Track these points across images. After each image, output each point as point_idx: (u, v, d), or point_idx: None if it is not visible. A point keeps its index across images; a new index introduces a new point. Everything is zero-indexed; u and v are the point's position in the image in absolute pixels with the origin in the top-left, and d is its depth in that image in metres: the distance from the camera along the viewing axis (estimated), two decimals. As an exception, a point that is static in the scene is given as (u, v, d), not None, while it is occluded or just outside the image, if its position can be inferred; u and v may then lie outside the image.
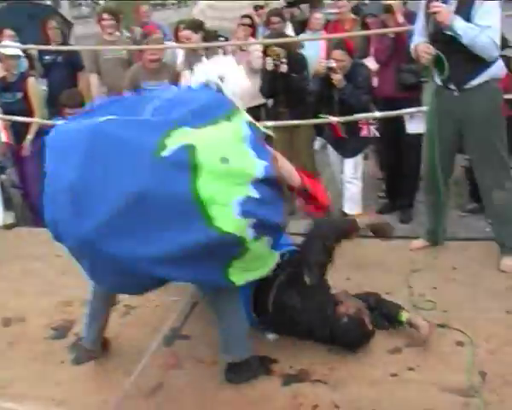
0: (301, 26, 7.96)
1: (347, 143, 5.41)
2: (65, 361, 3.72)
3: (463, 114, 4.24)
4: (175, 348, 3.77)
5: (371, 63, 5.92)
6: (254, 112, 6.08)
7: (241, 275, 3.11)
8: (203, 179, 2.77)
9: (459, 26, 3.96)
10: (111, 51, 7.17)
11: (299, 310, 3.59)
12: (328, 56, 5.38)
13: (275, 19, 7.02)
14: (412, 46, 4.39)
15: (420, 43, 4.26)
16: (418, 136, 5.52)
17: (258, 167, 2.94)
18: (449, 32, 4.02)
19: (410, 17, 5.38)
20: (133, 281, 3.03)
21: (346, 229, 3.88)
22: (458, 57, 4.06)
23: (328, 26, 7.84)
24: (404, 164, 5.90)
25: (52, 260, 4.77)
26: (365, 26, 6.37)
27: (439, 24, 4.04)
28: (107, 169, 2.74)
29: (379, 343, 3.62)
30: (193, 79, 3.43)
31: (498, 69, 4.19)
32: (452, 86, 4.23)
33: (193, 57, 6.19)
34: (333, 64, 5.15)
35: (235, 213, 2.81)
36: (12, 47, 6.57)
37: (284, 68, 5.61)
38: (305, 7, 10.80)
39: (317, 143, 7.80)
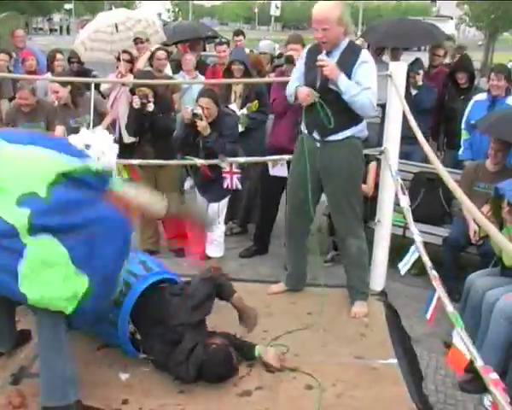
0: (177, 67, 7.91)
1: (212, 187, 5.44)
2: None
3: (323, 165, 4.41)
4: (22, 387, 3.59)
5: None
6: (130, 148, 6.04)
7: (32, 286, 3.05)
8: None
9: (343, 82, 4.13)
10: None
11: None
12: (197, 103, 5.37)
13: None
14: (292, 90, 4.43)
15: (303, 86, 4.32)
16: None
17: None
18: (332, 86, 4.18)
19: None
20: None
21: None
22: (331, 110, 4.21)
23: (208, 70, 7.86)
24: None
25: None
26: (230, 73, 6.28)
27: (324, 77, 4.17)
28: None
29: (229, 386, 3.66)
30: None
31: (362, 128, 4.39)
32: (316, 136, 4.39)
33: (65, 111, 6.10)
34: (198, 111, 5.17)
35: (13, 204, 3.00)
36: None
37: (151, 107, 5.59)
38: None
39: (188, 183, 7.79)
